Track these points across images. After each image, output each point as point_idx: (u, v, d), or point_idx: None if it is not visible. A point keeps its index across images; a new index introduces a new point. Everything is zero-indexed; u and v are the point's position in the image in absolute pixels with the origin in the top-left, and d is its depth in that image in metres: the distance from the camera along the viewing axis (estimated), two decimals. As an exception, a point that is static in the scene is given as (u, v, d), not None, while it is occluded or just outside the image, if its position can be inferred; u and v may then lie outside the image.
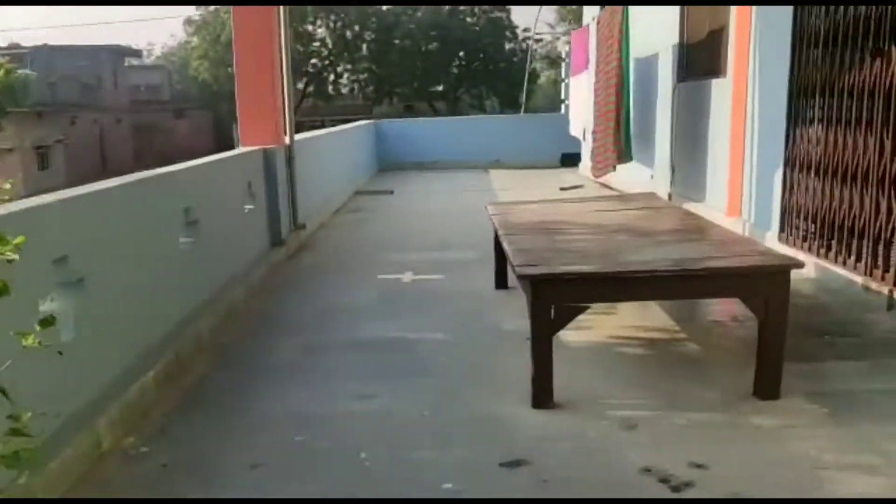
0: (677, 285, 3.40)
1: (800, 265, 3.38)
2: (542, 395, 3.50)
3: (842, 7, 5.16)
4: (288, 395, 3.84)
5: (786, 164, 6.00)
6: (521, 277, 3.40)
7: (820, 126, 5.47)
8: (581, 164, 13.94)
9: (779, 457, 2.96)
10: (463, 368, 4.10)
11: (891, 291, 4.69)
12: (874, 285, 4.84)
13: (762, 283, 3.38)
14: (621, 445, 3.14)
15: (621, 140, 9.82)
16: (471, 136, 16.44)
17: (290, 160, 7.47)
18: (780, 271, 3.38)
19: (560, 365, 3.57)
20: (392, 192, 12.30)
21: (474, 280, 6.00)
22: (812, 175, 5.60)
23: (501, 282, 5.54)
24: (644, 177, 10.01)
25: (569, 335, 3.86)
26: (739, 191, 7.01)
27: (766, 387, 3.47)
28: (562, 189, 11.67)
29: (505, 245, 4.15)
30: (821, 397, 3.49)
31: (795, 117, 5.84)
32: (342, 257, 7.20)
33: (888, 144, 4.67)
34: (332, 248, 7.67)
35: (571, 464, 3.01)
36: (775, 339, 3.42)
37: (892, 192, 4.65)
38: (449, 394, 3.75)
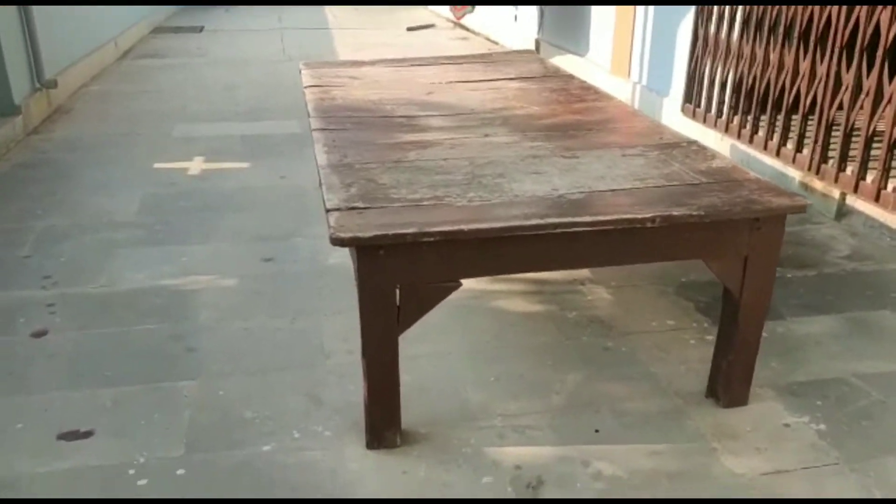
0: (605, 247, 1.97)
1: (803, 207, 2.02)
2: (382, 431, 2.06)
3: None
4: (-63, 432, 2.18)
5: (698, 11, 4.59)
6: (336, 242, 1.83)
7: (754, -40, 4.04)
8: (431, -2, 11.97)
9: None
10: (255, 356, 2.57)
11: (843, 195, 3.54)
12: (819, 185, 3.67)
13: (742, 237, 2.02)
14: (517, 544, 1.80)
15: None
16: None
17: (21, -12, 5.19)
18: (772, 217, 2.02)
19: (409, 347, 2.15)
20: (201, 29, 9.94)
21: (292, 170, 4.35)
22: (735, 27, 4.24)
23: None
24: (507, 18, 8.36)
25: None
26: (629, 43, 5.59)
27: (731, 388, 2.22)
28: (409, 29, 9.83)
29: (317, 151, 2.52)
30: (803, 397, 2.30)
31: (717, -53, 4.36)
32: (110, 131, 5.20)
33: (863, -9, 3.34)
34: (99, 116, 5.60)
35: None
36: (752, 322, 2.12)
37: (863, 62, 3.37)
38: (226, 420, 2.23)
